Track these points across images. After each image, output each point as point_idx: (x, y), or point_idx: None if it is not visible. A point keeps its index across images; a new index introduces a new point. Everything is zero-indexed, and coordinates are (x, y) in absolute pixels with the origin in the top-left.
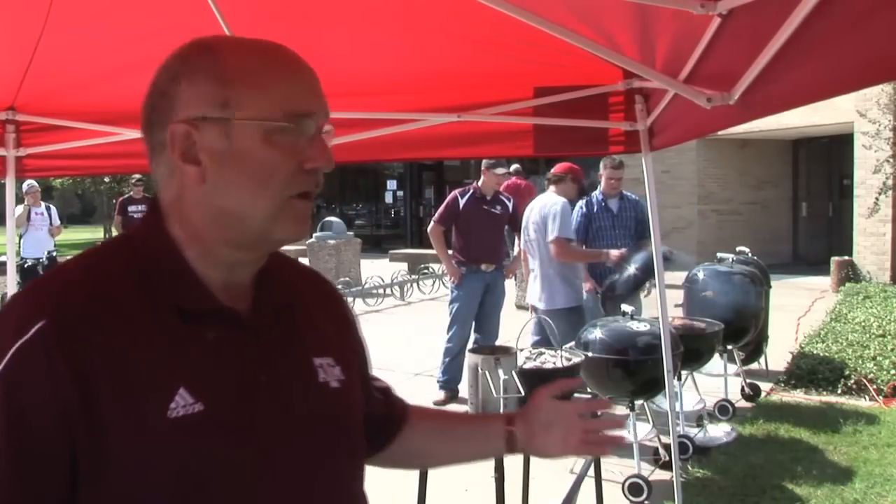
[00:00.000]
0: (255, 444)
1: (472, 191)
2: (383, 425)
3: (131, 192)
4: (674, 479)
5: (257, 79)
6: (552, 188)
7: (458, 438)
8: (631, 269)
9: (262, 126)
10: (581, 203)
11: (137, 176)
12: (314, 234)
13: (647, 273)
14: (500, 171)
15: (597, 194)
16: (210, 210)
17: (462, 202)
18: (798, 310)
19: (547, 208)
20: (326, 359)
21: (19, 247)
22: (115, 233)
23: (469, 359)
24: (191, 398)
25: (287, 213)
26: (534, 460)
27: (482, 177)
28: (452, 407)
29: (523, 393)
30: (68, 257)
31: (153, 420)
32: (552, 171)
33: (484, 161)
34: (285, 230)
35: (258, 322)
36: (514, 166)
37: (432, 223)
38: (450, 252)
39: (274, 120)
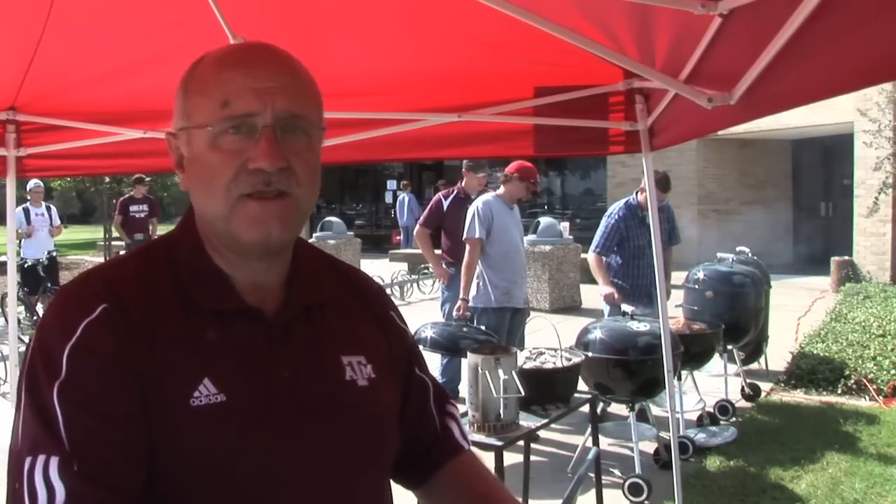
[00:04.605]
0: (272, 435)
1: (455, 191)
2: (425, 453)
3: (132, 192)
4: (674, 479)
5: (204, 86)
6: (500, 188)
7: None
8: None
9: (207, 132)
10: (618, 211)
11: (137, 176)
12: (314, 234)
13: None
14: (481, 174)
15: (632, 201)
16: (198, 213)
17: (446, 204)
18: (798, 310)
19: (471, 209)
20: (357, 357)
21: (19, 247)
22: (115, 233)
23: (469, 359)
24: (214, 389)
25: (238, 214)
26: (534, 460)
27: (464, 178)
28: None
29: (523, 393)
30: (69, 257)
31: (176, 406)
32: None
33: (464, 162)
34: (239, 231)
35: (285, 321)
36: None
37: (417, 226)
38: (437, 253)
39: (212, 125)
